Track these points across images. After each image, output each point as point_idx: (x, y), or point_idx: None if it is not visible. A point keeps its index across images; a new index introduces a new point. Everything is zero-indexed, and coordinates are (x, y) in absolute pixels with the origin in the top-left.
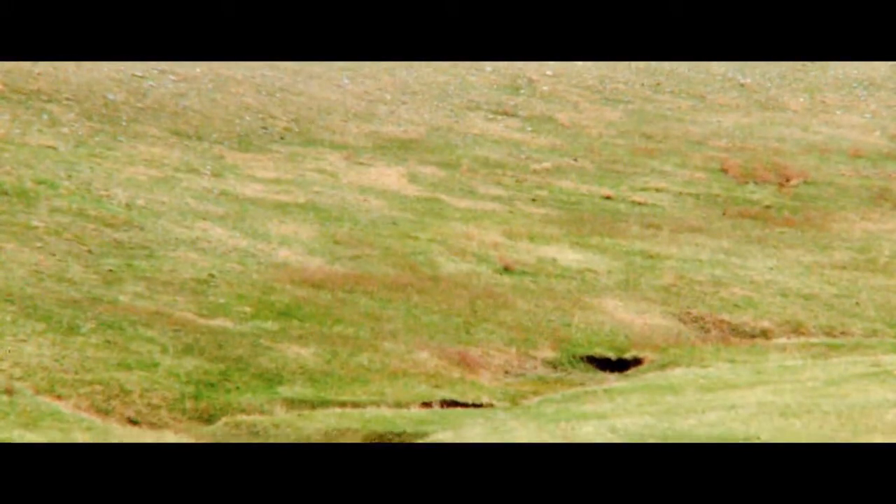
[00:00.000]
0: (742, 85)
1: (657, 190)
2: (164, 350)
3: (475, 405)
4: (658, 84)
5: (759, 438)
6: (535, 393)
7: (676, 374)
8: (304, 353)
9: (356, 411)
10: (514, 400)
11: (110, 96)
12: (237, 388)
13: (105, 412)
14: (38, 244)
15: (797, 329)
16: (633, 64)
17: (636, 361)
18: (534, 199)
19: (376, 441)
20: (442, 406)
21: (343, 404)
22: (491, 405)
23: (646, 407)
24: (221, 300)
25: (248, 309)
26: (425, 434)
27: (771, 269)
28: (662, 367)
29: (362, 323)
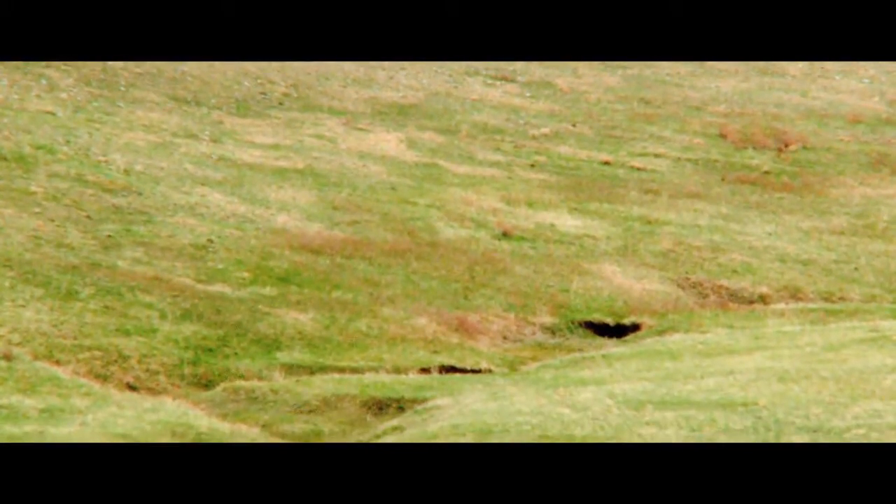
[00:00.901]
0: None
1: (656, 155)
2: (163, 316)
3: (474, 371)
4: None
5: (757, 404)
6: (534, 359)
7: (675, 339)
8: (303, 319)
9: (354, 377)
10: (512, 366)
11: (109, 62)
12: (235, 353)
13: (104, 378)
14: (37, 210)
15: (795, 294)
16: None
17: (634, 327)
18: (532, 165)
19: (375, 406)
20: (440, 372)
21: (341, 370)
22: (489, 371)
23: (644, 372)
24: (220, 266)
25: (246, 274)
26: (424, 400)
27: (769, 234)
28: (661, 332)
29: (361, 288)
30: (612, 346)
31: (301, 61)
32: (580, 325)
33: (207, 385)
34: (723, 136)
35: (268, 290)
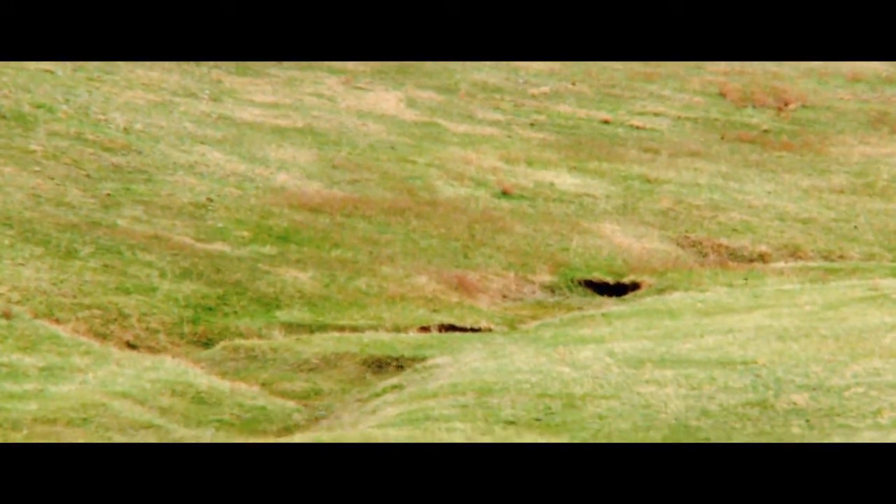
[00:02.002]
0: None
1: (655, 114)
2: (163, 274)
3: (473, 329)
4: None
5: (756, 362)
6: (534, 317)
7: (674, 298)
8: (303, 278)
9: (354, 335)
10: (512, 324)
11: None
12: (235, 312)
13: (103, 336)
14: (37, 168)
15: (795, 253)
16: None
17: (634, 286)
18: (532, 124)
19: (374, 364)
20: (440, 330)
21: (341, 328)
22: (489, 329)
23: (644, 331)
24: (219, 224)
25: (246, 233)
26: (423, 358)
27: (769, 193)
28: (660, 291)
29: (360, 247)
30: (611, 305)
31: (300, 61)
32: (580, 283)
33: (207, 343)
34: (722, 94)
35: (267, 249)
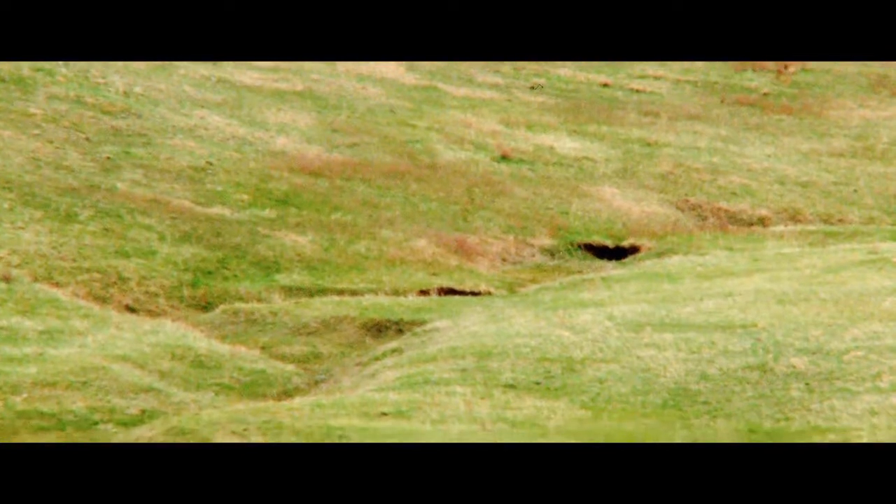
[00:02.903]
0: None
1: (655, 77)
2: (162, 238)
3: (473, 293)
4: None
5: (756, 326)
6: (533, 281)
7: (674, 261)
8: (302, 241)
9: (353, 299)
10: (511, 288)
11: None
12: (235, 275)
13: (103, 300)
14: (36, 131)
15: (795, 216)
16: None
17: (634, 249)
18: (532, 88)
19: (373, 328)
20: (439, 294)
21: (340, 292)
22: (489, 293)
23: (643, 295)
24: (219, 188)
25: (245, 197)
26: (422, 322)
27: (769, 156)
28: (660, 254)
29: (360, 211)
30: (611, 269)
31: (301, 61)
32: (579, 247)
33: (206, 307)
34: None
35: (267, 213)
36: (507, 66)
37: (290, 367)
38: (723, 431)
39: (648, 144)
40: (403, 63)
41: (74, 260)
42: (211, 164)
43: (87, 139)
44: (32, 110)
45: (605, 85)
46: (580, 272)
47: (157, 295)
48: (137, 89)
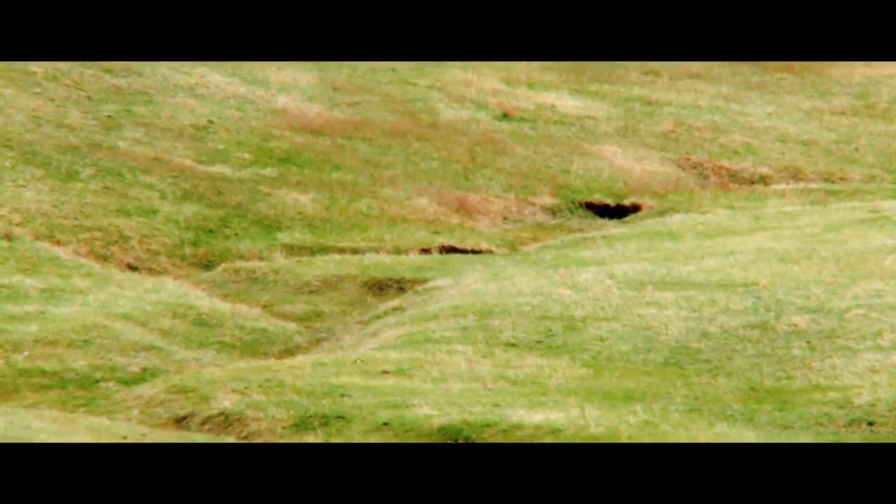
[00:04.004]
0: None
1: None
2: (163, 196)
3: (474, 251)
4: None
5: (757, 284)
6: (534, 239)
7: (675, 220)
8: (303, 200)
9: (355, 257)
10: (512, 246)
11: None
12: (236, 234)
13: (104, 258)
14: (37, 90)
15: (796, 175)
16: None
17: (635, 208)
18: None
19: (375, 286)
20: (441, 252)
21: (342, 250)
22: (490, 251)
23: (644, 253)
24: (220, 146)
25: (246, 155)
26: (424, 280)
27: (770, 115)
28: (661, 213)
29: (361, 169)
30: (612, 227)
31: (300, 61)
32: (580, 205)
33: (208, 266)
34: None
35: (268, 171)
36: None
37: (292, 326)
38: (723, 389)
39: (650, 103)
40: None
41: (76, 218)
42: (212, 122)
43: (89, 98)
44: (33, 68)
45: None
46: (581, 231)
47: (158, 253)
48: None
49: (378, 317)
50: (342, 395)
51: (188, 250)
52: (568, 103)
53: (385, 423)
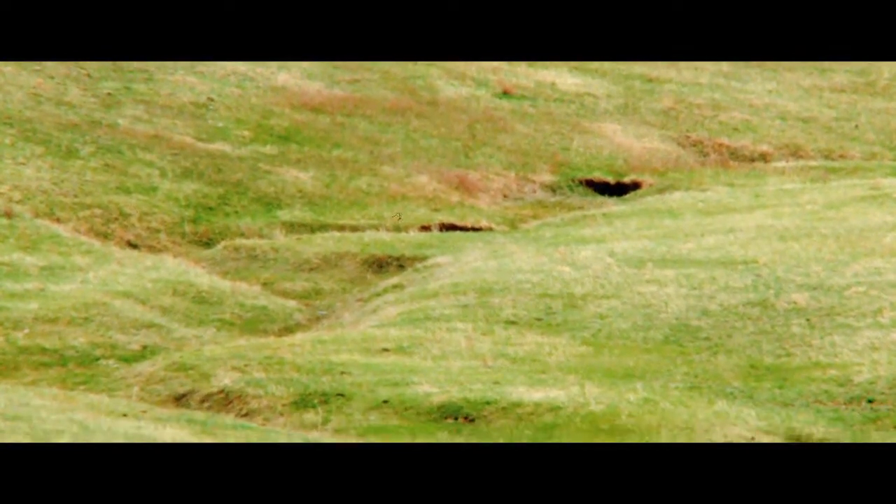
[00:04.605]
0: None
1: None
2: (163, 174)
3: (474, 229)
4: None
5: (757, 262)
6: (534, 217)
7: (675, 197)
8: (303, 177)
9: (355, 235)
10: (512, 223)
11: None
12: (236, 211)
13: (104, 236)
14: (37, 67)
15: (796, 152)
16: None
17: (635, 185)
18: None
19: (375, 264)
20: (441, 229)
21: (342, 228)
22: (490, 229)
23: (644, 231)
24: (220, 124)
25: (246, 133)
26: (424, 257)
27: (770, 92)
28: (661, 190)
29: (361, 147)
30: (612, 205)
31: (300, 61)
32: (580, 183)
33: (208, 243)
34: None
35: (268, 149)
36: None
37: (292, 303)
38: (723, 367)
39: (650, 80)
40: None
41: (76, 196)
42: (212, 100)
43: (88, 75)
44: None
45: None
46: (581, 208)
47: (158, 231)
48: None
49: (378, 294)
50: (342, 373)
51: (188, 228)
52: (568, 81)
53: (385, 401)
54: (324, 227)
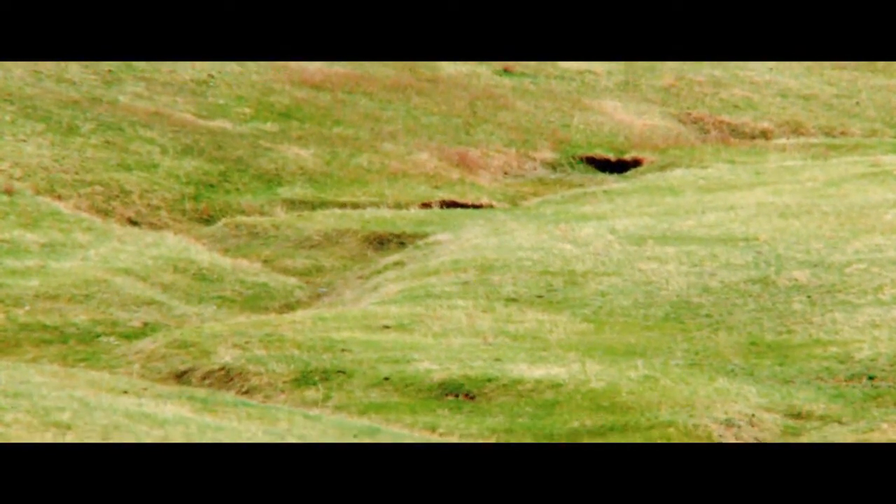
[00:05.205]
0: None
1: None
2: (164, 151)
3: (474, 206)
4: None
5: (758, 239)
6: (535, 194)
7: (676, 175)
8: (304, 155)
9: (355, 212)
10: (513, 201)
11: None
12: (237, 189)
13: (105, 213)
14: None
15: (797, 129)
16: None
17: (635, 162)
18: None
19: (375, 241)
20: (441, 206)
21: (342, 205)
22: (490, 206)
23: (645, 208)
24: (221, 101)
25: (247, 110)
26: (424, 234)
27: (771, 69)
28: (662, 168)
29: (362, 124)
30: (612, 182)
31: (301, 61)
32: (581, 160)
33: (209, 220)
34: None
35: (269, 126)
36: None
37: (293, 281)
38: (724, 344)
39: None
40: None
41: (76, 173)
42: (213, 77)
43: None
44: None
45: None
46: (582, 185)
47: (158, 208)
48: None
49: (378, 271)
50: (343, 350)
51: (189, 205)
52: None
53: (386, 378)
54: (324, 205)
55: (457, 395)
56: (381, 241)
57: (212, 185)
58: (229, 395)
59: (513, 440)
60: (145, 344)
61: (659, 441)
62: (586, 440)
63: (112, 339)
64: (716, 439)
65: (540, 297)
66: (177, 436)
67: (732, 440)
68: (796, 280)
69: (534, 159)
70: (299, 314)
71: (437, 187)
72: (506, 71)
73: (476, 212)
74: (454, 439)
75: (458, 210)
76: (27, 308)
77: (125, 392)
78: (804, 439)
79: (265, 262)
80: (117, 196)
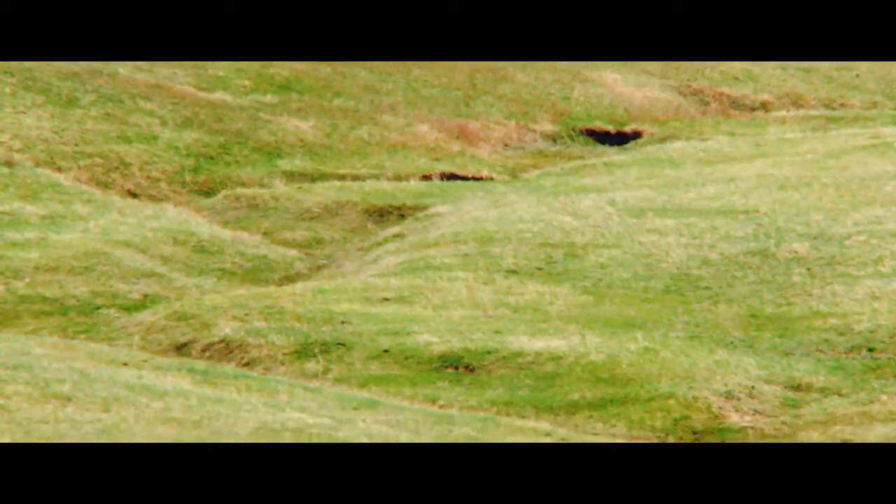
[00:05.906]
0: None
1: None
2: (164, 123)
3: (475, 178)
4: None
5: (758, 211)
6: (535, 166)
7: (676, 147)
8: (304, 127)
9: (355, 184)
10: (513, 173)
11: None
12: (237, 161)
13: (105, 185)
14: None
15: (797, 101)
16: None
17: (635, 134)
18: None
19: (375, 213)
20: (441, 178)
21: (342, 177)
22: (490, 178)
23: (645, 180)
24: (220, 73)
25: (247, 82)
26: (424, 207)
27: None
28: (662, 140)
29: (362, 96)
30: (612, 154)
31: (300, 61)
32: (581, 132)
33: (208, 192)
34: None
35: (269, 98)
36: None
37: (292, 253)
38: (724, 316)
39: None
40: None
41: (76, 145)
42: None
43: None
44: None
45: None
46: (582, 158)
47: (158, 180)
48: None
49: (378, 243)
50: (343, 322)
51: (189, 177)
52: None
53: (385, 351)
54: (324, 177)
55: (457, 368)
56: (381, 214)
57: (211, 158)
58: (229, 368)
59: (512, 412)
60: (145, 316)
61: (658, 413)
62: (586, 412)
63: (112, 311)
64: (715, 411)
65: (540, 269)
66: (177, 407)
67: (732, 412)
68: (796, 252)
69: (534, 131)
70: (299, 286)
71: (437, 159)
72: None
73: (476, 184)
74: (454, 411)
75: (459, 182)
76: (27, 280)
77: (125, 364)
78: (804, 411)
79: (265, 234)
80: (117, 168)
